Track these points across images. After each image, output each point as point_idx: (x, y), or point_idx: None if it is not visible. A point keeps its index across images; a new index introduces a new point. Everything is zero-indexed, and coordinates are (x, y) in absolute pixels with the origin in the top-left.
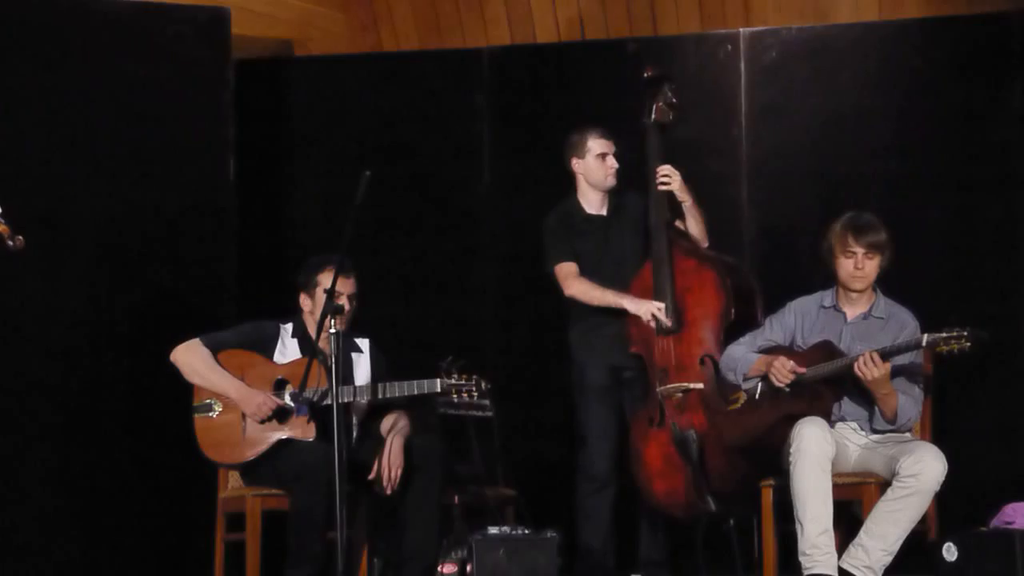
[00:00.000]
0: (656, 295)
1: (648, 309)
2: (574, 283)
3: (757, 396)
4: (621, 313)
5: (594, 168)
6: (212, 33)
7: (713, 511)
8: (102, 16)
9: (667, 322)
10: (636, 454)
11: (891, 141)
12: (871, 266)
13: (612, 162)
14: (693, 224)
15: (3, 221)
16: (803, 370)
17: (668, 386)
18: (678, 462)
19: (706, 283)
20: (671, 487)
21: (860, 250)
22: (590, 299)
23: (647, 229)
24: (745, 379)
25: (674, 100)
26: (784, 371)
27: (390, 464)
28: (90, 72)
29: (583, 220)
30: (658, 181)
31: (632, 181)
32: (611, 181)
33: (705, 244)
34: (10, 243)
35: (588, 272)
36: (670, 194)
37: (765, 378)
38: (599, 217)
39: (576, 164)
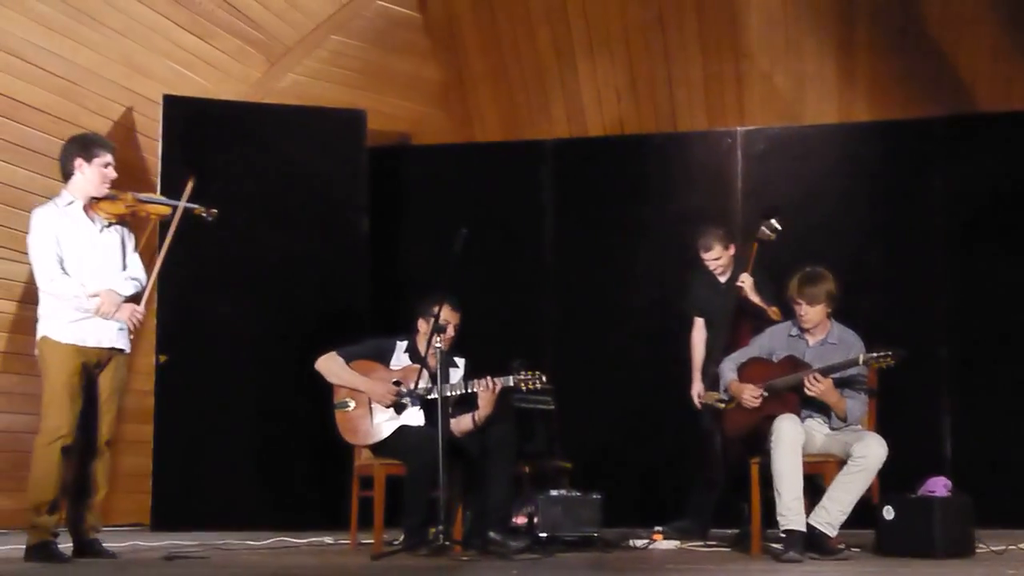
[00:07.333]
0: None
1: (696, 398)
2: (695, 338)
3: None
4: None
5: None
6: (352, 128)
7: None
8: (275, 117)
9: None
10: None
11: (846, 209)
12: (813, 312)
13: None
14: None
15: (198, 206)
16: (762, 390)
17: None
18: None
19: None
20: None
21: (803, 302)
22: (693, 358)
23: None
24: (724, 391)
25: (779, 227)
26: (751, 400)
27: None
28: (267, 156)
29: (715, 280)
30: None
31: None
32: None
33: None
34: (205, 215)
35: (710, 318)
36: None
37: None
38: (722, 281)
39: None
